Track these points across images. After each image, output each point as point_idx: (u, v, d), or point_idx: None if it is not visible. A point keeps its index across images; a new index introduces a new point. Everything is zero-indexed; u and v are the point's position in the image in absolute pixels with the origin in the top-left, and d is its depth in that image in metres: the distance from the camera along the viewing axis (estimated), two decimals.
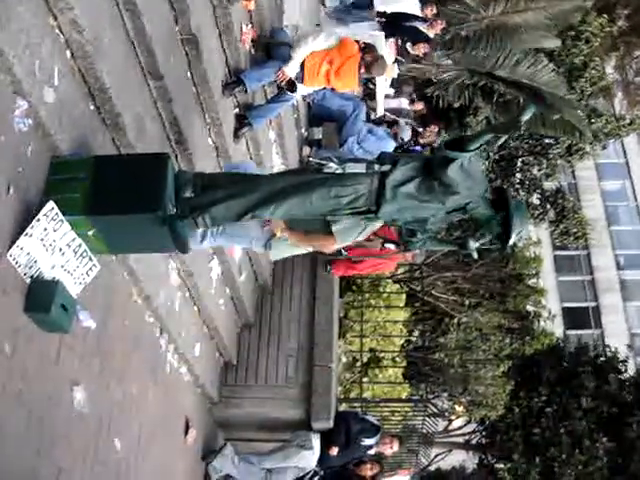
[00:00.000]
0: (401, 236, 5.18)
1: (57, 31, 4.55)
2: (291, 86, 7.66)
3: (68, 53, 4.70)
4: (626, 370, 16.28)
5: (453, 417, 16.50)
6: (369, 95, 11.20)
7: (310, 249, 6.14)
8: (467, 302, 12.96)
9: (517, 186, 16.02)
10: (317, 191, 4.75)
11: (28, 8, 4.20)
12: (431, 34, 10.90)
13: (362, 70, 7.83)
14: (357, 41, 7.91)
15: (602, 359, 16.43)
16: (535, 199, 16.51)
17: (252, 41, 7.70)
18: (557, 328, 20.52)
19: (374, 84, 10.87)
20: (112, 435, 5.80)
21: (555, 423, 14.83)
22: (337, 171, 4.84)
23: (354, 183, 4.76)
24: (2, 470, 4.22)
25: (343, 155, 5.09)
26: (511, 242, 4.87)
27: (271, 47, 7.88)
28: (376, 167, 4.80)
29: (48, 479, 4.78)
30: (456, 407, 15.23)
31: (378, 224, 5.19)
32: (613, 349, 17.03)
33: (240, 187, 4.96)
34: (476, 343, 13.04)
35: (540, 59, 12.82)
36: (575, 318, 30.10)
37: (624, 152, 33.83)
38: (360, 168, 4.82)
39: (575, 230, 15.96)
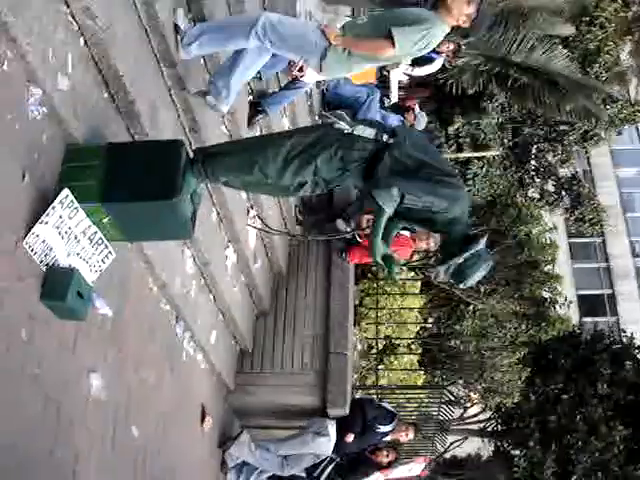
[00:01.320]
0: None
1: (70, 18, 4.54)
2: (300, 69, 7.62)
3: (81, 41, 4.69)
4: None
5: (469, 404, 16.46)
6: (383, 82, 11.16)
7: (365, 65, 6.05)
8: (482, 289, 12.91)
9: (532, 173, 15.95)
10: (322, 151, 4.74)
11: None
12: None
13: None
14: None
15: (618, 346, 16.37)
16: (550, 186, 16.45)
17: None
18: (573, 316, 20.47)
19: (388, 71, 10.83)
20: (129, 422, 5.83)
21: (571, 410, 14.79)
22: (346, 131, 4.82)
23: (359, 148, 4.73)
24: (20, 453, 4.24)
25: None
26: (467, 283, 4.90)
27: None
28: (385, 137, 4.76)
29: (65, 463, 4.81)
30: (471, 394, 15.21)
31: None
32: (629, 335, 16.96)
33: (249, 145, 5.02)
34: (491, 330, 13.00)
35: (554, 45, 12.75)
36: (591, 305, 30.02)
37: (639, 138, 33.63)
38: (369, 133, 4.79)
39: (590, 217, 15.92)
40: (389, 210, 4.65)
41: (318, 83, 9.03)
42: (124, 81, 5.05)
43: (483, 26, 5.73)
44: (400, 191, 4.59)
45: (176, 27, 5.71)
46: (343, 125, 4.87)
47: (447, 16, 5.41)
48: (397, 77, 10.60)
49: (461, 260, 4.79)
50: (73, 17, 4.54)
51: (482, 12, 5.50)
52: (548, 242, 14.03)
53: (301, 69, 7.54)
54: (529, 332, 13.66)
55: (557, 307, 14.41)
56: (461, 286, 5.18)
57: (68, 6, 4.47)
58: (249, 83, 7.47)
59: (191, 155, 4.97)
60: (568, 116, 12.97)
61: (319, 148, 4.72)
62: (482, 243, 4.80)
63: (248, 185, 5.28)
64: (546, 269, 13.87)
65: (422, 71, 10.86)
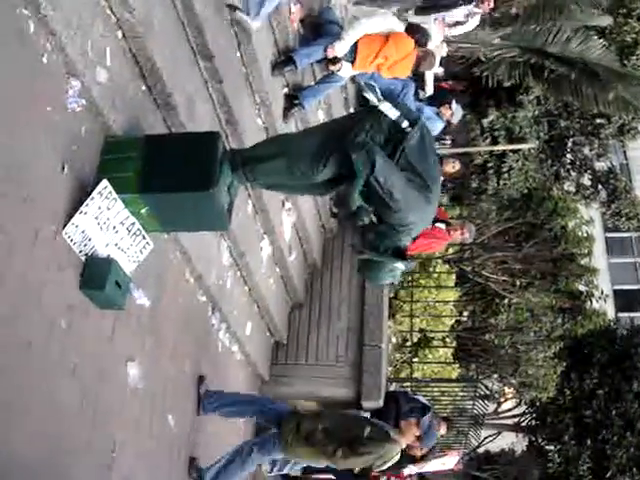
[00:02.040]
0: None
1: (108, 11, 4.60)
2: (334, 63, 7.64)
3: (119, 33, 4.75)
4: None
5: (503, 399, 16.38)
6: (418, 74, 11.10)
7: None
8: (518, 282, 12.82)
9: (568, 166, 15.80)
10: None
11: None
12: (480, 12, 10.72)
13: None
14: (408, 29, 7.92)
15: None
16: (586, 179, 16.27)
17: (300, 21, 7.69)
18: (609, 311, 20.24)
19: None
20: (166, 411, 5.90)
21: (607, 405, 14.63)
22: (372, 103, 4.80)
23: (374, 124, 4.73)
24: (58, 442, 4.31)
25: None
26: None
27: (320, 26, 7.86)
28: (404, 124, 4.74)
29: (103, 451, 4.88)
30: (506, 389, 15.13)
31: None
32: None
33: (286, 146, 5.02)
34: (527, 324, 12.92)
35: (591, 36, 12.60)
36: (627, 301, 29.63)
37: None
38: (392, 114, 4.76)
39: (627, 211, 15.70)
40: (364, 174, 4.57)
41: (353, 77, 9.04)
42: (161, 74, 5.10)
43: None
44: (374, 161, 4.54)
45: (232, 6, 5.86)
46: (371, 96, 4.85)
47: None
48: (433, 70, 10.51)
49: (375, 258, 4.82)
50: (111, 10, 4.60)
51: None
52: (584, 235, 13.90)
53: (337, 62, 7.60)
54: (565, 326, 13.54)
55: (593, 301, 14.27)
56: (358, 270, 5.31)
57: None
58: (284, 76, 7.50)
59: (227, 147, 5.02)
60: (606, 107, 12.80)
61: (353, 134, 4.71)
62: (405, 267, 4.88)
63: (291, 188, 5.35)
64: (582, 262, 13.74)
65: (458, 30, 10.74)
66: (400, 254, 4.85)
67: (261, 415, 6.94)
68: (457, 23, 10.44)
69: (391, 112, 4.78)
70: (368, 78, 9.61)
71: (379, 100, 4.82)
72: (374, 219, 4.80)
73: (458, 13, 10.37)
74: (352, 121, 4.98)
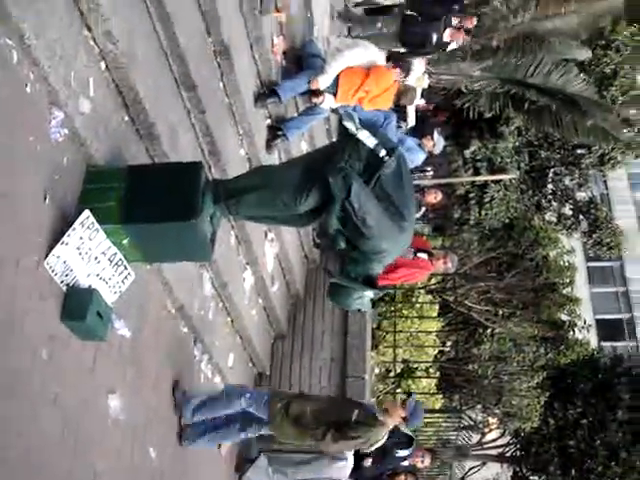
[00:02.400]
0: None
1: (91, 42, 4.61)
2: (317, 95, 7.71)
3: (103, 64, 4.76)
4: None
5: (487, 429, 16.34)
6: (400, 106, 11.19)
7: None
8: (500, 312, 12.85)
9: (549, 197, 15.92)
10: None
11: (62, 19, 4.26)
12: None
13: None
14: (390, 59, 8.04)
15: (638, 370, 16.19)
16: (567, 209, 16.39)
17: (283, 52, 7.76)
18: (591, 340, 20.29)
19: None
20: (147, 443, 5.83)
21: (591, 435, 14.60)
22: (350, 131, 4.83)
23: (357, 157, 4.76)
24: (39, 471, 4.25)
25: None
26: None
27: (302, 58, 7.93)
28: (382, 152, 4.76)
29: None
30: (490, 419, 15.09)
31: None
32: None
33: (269, 178, 5.06)
34: (510, 354, 12.93)
35: (571, 68, 12.77)
36: (609, 330, 29.73)
37: None
38: (371, 143, 4.79)
39: (609, 240, 15.82)
40: (339, 199, 4.62)
41: (335, 109, 9.11)
42: (144, 104, 5.11)
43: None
44: (350, 186, 4.58)
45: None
46: (349, 125, 4.88)
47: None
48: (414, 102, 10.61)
49: (344, 283, 4.89)
50: (94, 41, 4.61)
51: None
52: (566, 264, 13.97)
53: (320, 95, 7.66)
54: (548, 356, 13.56)
55: (576, 330, 14.31)
56: (328, 294, 5.44)
57: (90, 30, 4.54)
58: (267, 108, 7.54)
59: (210, 178, 5.02)
60: (586, 137, 12.96)
61: (333, 162, 4.74)
62: (373, 295, 5.04)
63: (273, 219, 5.36)
64: (564, 292, 13.80)
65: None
66: (370, 282, 4.90)
67: (247, 415, 6.77)
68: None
69: (369, 140, 4.81)
70: (350, 110, 9.70)
71: (357, 128, 4.85)
72: (344, 245, 4.86)
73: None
74: (332, 149, 5.04)
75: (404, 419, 6.65)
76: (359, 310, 5.91)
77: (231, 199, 4.87)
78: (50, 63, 4.15)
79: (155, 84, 5.31)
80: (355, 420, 6.34)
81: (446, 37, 10.09)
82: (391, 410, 6.59)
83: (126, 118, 5.14)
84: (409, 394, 8.55)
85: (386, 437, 6.69)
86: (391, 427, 6.72)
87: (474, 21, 10.44)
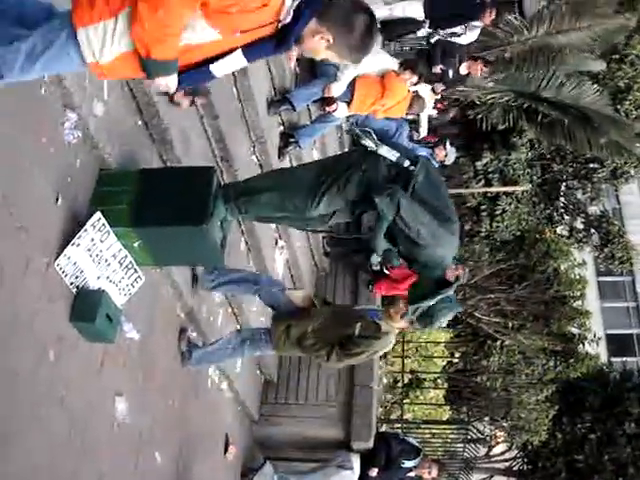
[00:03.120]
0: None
1: None
2: (330, 103, 7.74)
3: None
4: None
5: (494, 442, 16.26)
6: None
7: None
8: (510, 324, 12.80)
9: (561, 210, 15.88)
10: (353, 178, 4.82)
11: None
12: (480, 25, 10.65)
13: None
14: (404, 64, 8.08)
15: None
16: (579, 223, 16.34)
17: (297, 60, 7.77)
18: (601, 355, 20.17)
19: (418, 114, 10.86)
20: (153, 447, 5.83)
21: (599, 450, 14.52)
22: (370, 148, 4.86)
23: (383, 171, 4.80)
24: (45, 473, 4.25)
25: None
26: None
27: (316, 66, 7.95)
28: (406, 162, 4.80)
29: None
30: (497, 432, 15.02)
31: None
32: None
33: (281, 180, 5.08)
34: (519, 367, 12.86)
35: (583, 81, 12.76)
36: (620, 345, 29.58)
37: None
38: (392, 156, 4.83)
39: (620, 254, 15.74)
40: (390, 216, 4.67)
41: (348, 117, 9.13)
42: (157, 108, 5.13)
43: None
44: (398, 202, 4.63)
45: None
46: (369, 142, 4.91)
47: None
48: (427, 112, 10.61)
49: (431, 303, 4.91)
50: None
51: None
52: (577, 277, 13.91)
53: (332, 103, 7.69)
54: (557, 369, 13.49)
55: (586, 344, 14.24)
56: (425, 329, 5.45)
57: None
58: (280, 114, 7.56)
59: (222, 183, 5.04)
60: (599, 151, 12.92)
61: (349, 173, 4.77)
62: (452, 288, 4.98)
63: (282, 219, 5.37)
64: (575, 305, 13.73)
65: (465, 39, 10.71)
66: (441, 284, 4.96)
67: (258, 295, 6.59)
68: (452, 34, 10.42)
69: (390, 154, 4.85)
70: (363, 119, 9.72)
71: (377, 145, 4.89)
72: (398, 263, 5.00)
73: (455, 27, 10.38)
74: (348, 160, 5.04)
75: (411, 323, 6.19)
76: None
77: (241, 198, 4.89)
78: None
79: None
80: (358, 335, 6.03)
81: (463, 70, 10.07)
82: (394, 314, 6.19)
83: (139, 122, 5.16)
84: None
85: (393, 342, 6.36)
86: (397, 331, 6.36)
87: (483, 67, 10.36)
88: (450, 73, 9.96)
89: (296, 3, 2.86)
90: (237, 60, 3.00)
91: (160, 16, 2.68)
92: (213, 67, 3.01)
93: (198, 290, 6.36)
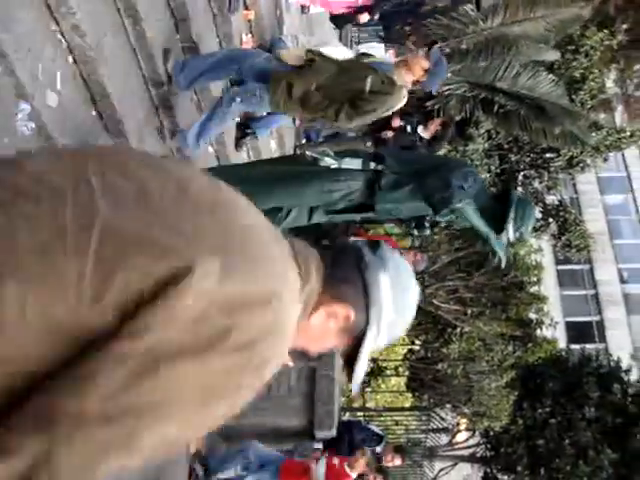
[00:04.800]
0: (408, 226, 5.26)
1: (59, 36, 4.62)
2: None
3: (70, 58, 4.77)
4: (629, 382, 16.21)
5: (456, 430, 16.45)
6: None
7: None
8: (469, 311, 12.95)
9: None
10: (308, 185, 4.82)
11: (30, 13, 4.28)
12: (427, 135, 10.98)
13: None
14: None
15: (605, 369, 16.39)
16: (537, 212, 16.55)
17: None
18: (561, 342, 20.46)
19: None
20: None
21: (559, 434, 14.77)
22: (332, 166, 4.89)
23: (348, 179, 4.83)
24: None
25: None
26: (508, 235, 4.99)
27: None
28: (372, 165, 4.87)
29: None
30: (459, 419, 15.19)
31: None
32: (616, 359, 17.01)
33: (230, 175, 5.07)
34: (479, 353, 13.03)
35: (539, 71, 12.90)
36: (579, 332, 30.02)
37: (625, 165, 33.89)
38: (356, 164, 4.88)
39: (577, 242, 15.99)
40: (460, 203, 4.86)
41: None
42: (112, 99, 5.12)
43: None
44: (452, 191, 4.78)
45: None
46: (329, 161, 4.93)
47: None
48: None
49: (512, 216, 4.91)
50: (62, 35, 4.62)
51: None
52: (533, 263, 14.10)
53: None
54: (516, 354, 13.68)
55: (543, 328, 14.45)
56: (523, 236, 5.36)
57: (58, 24, 4.55)
58: None
59: None
60: (554, 141, 13.09)
61: (307, 179, 4.82)
62: (514, 193, 5.07)
63: None
64: (532, 290, 13.93)
65: None
66: (503, 196, 5.14)
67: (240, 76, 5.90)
68: None
69: (355, 163, 4.90)
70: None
71: (337, 160, 4.93)
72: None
73: None
74: (329, 182, 5.00)
75: (426, 71, 5.53)
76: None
77: None
78: (17, 56, 4.15)
79: (123, 79, 5.33)
80: (369, 90, 5.34)
81: (425, 135, 10.32)
82: (411, 63, 5.56)
83: (94, 113, 5.15)
84: (433, 42, 7.35)
85: (406, 98, 5.70)
86: (410, 86, 5.70)
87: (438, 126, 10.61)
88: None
89: None
90: None
91: None
92: None
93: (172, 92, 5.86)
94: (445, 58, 5.89)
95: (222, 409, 1.33)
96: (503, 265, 5.44)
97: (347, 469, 8.00)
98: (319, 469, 7.86)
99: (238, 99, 5.61)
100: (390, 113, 5.91)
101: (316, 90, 5.34)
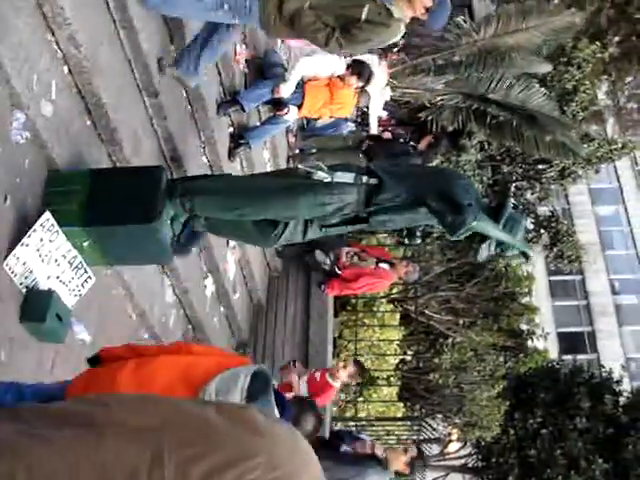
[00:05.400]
0: (400, 235, 5.32)
1: (55, 46, 4.66)
2: (281, 109, 7.83)
3: (65, 68, 4.80)
4: (620, 392, 16.23)
5: (448, 440, 16.45)
6: (363, 116, 11.33)
7: None
8: (461, 321, 12.98)
9: None
10: (302, 197, 4.86)
11: (26, 23, 4.31)
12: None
13: None
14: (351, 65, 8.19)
15: (597, 380, 16.41)
16: (529, 223, 16.60)
17: (246, 61, 7.84)
18: (553, 353, 20.50)
19: (367, 106, 10.97)
20: None
21: (551, 444, 14.75)
22: (325, 180, 4.92)
23: (341, 192, 4.86)
24: None
25: None
26: (490, 249, 5.05)
27: (265, 68, 8.02)
28: (364, 179, 4.90)
29: None
30: (451, 429, 15.19)
31: None
32: (608, 369, 17.04)
33: (227, 185, 5.12)
34: (471, 364, 13.04)
35: (532, 83, 12.97)
36: (570, 343, 30.09)
37: (617, 177, 34.06)
38: (349, 178, 4.91)
39: (569, 253, 16.04)
40: (475, 221, 4.85)
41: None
42: (106, 109, 5.15)
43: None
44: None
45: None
46: (322, 175, 4.96)
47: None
48: (376, 112, 10.72)
49: (499, 229, 4.97)
50: (58, 45, 4.66)
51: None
52: (525, 274, 14.15)
53: (284, 108, 7.78)
54: (507, 364, 13.71)
55: (535, 339, 14.49)
56: (508, 253, 5.36)
57: (53, 34, 4.58)
58: (230, 115, 7.61)
59: (171, 182, 5.08)
60: (546, 151, 13.14)
61: (301, 192, 4.85)
62: (509, 205, 5.07)
63: (223, 227, 5.36)
64: (523, 301, 13.97)
65: None
66: (497, 208, 5.18)
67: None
68: None
69: (347, 177, 4.94)
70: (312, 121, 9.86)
71: (330, 173, 4.96)
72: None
73: None
74: (322, 195, 5.01)
75: (427, 10, 5.07)
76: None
77: (185, 196, 4.92)
78: (13, 65, 4.18)
79: (118, 89, 5.36)
80: (365, 19, 4.93)
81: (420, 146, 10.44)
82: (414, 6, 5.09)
83: (88, 122, 5.18)
84: None
85: (403, 32, 5.30)
86: (408, 21, 5.25)
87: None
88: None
89: None
90: None
91: None
92: None
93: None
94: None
95: None
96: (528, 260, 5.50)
97: (329, 379, 7.99)
98: (301, 389, 7.80)
99: (226, 6, 5.03)
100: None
101: (309, 9, 4.94)
